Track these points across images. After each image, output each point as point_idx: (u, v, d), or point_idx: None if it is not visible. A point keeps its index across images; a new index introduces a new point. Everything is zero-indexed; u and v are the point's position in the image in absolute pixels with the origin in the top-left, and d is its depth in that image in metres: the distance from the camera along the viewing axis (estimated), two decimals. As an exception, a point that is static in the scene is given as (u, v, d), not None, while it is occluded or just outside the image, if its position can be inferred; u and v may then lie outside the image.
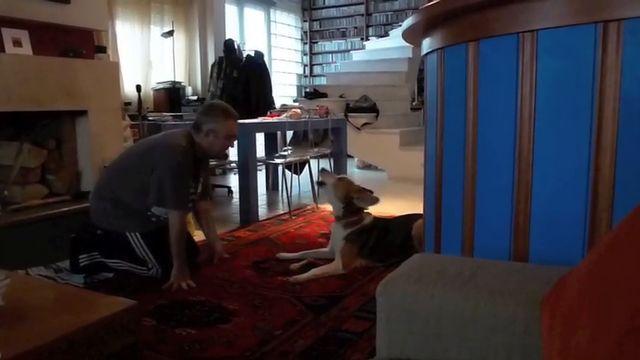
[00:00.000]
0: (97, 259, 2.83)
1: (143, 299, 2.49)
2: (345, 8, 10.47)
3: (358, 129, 6.76)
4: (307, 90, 8.27)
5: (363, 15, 10.24)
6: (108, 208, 2.81)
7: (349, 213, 3.08)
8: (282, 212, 4.63)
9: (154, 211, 2.81)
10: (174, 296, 2.59)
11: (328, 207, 3.25)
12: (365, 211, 3.17)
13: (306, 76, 10.95)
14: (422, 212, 3.02)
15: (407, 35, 1.97)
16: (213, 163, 4.66)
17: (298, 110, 5.04)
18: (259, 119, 4.93)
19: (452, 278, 1.10)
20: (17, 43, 3.44)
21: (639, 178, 1.16)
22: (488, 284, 1.07)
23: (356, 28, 10.39)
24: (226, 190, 5.72)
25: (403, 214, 3.52)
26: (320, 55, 10.94)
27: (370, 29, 10.24)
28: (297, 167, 5.23)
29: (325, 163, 5.38)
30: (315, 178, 5.05)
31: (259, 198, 4.44)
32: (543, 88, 1.29)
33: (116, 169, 2.90)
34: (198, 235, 3.77)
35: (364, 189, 3.19)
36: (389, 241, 3.09)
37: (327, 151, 5.28)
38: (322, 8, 10.72)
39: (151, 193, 2.73)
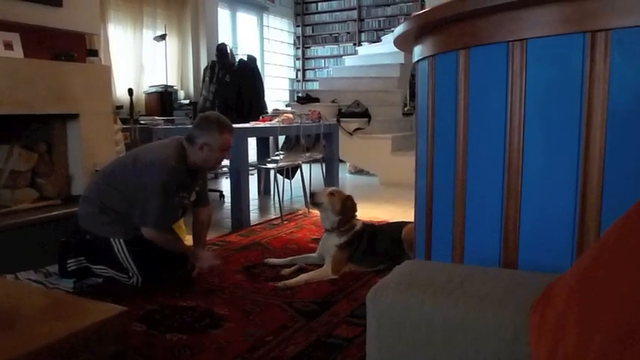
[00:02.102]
0: (83, 264, 2.82)
1: (133, 304, 2.48)
2: (338, 14, 10.50)
3: (350, 134, 6.78)
4: (299, 95, 8.29)
5: (355, 20, 10.28)
6: (95, 214, 2.78)
7: (343, 222, 3.09)
8: (273, 217, 4.62)
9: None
10: (166, 302, 2.58)
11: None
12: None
13: (298, 81, 10.97)
14: (411, 220, 3.07)
15: (398, 42, 1.98)
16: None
17: (290, 115, 5.05)
18: (251, 124, 4.92)
19: (442, 285, 1.11)
20: (8, 46, 3.43)
21: (627, 186, 1.17)
22: (478, 291, 1.07)
23: (348, 33, 10.42)
24: (218, 194, 5.71)
25: (393, 221, 3.53)
26: (312, 60, 10.96)
27: (363, 35, 10.28)
28: (289, 172, 5.23)
29: (317, 168, 5.40)
30: (307, 184, 5.07)
31: (251, 202, 4.44)
32: (533, 96, 1.30)
33: (106, 182, 2.84)
34: (189, 241, 3.77)
35: None
36: (378, 247, 3.11)
37: (319, 156, 5.29)
38: (315, 13, 10.75)
39: (136, 212, 2.71)
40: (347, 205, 3.11)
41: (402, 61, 7.69)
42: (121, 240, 2.75)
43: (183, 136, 2.88)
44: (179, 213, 2.95)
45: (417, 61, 1.86)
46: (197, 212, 3.10)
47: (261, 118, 5.30)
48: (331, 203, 3.08)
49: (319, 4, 10.66)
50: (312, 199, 3.19)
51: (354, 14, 10.27)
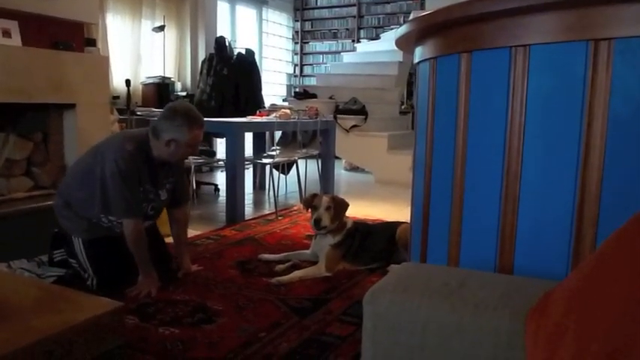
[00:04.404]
0: (65, 255, 2.80)
1: (125, 296, 2.50)
2: (337, 9, 10.46)
3: (347, 131, 6.78)
4: (297, 90, 8.27)
5: (355, 17, 10.25)
6: (61, 208, 2.72)
7: (337, 224, 3.10)
8: (268, 212, 4.62)
9: (110, 216, 2.66)
10: (159, 295, 2.58)
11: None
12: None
13: (296, 76, 10.94)
14: (404, 220, 3.08)
15: (400, 43, 1.98)
16: (199, 160, 4.64)
17: (288, 111, 5.03)
18: (248, 118, 4.92)
19: (438, 289, 1.11)
20: (6, 33, 3.41)
21: (625, 195, 1.18)
22: (474, 296, 1.08)
23: (347, 29, 10.40)
24: (213, 187, 5.71)
25: (387, 220, 3.55)
26: (311, 56, 10.92)
27: (362, 31, 10.25)
28: (284, 167, 5.23)
29: (313, 164, 5.40)
30: (302, 180, 5.07)
31: (246, 197, 4.44)
32: (534, 102, 1.30)
33: (72, 172, 2.78)
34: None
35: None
36: (371, 246, 3.13)
37: (315, 153, 5.29)
38: (314, 9, 10.71)
39: (96, 201, 2.58)
40: (340, 210, 3.12)
41: (401, 60, 7.68)
42: (80, 239, 2.67)
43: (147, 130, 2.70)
44: (148, 210, 2.74)
45: (418, 63, 1.85)
46: (171, 213, 2.96)
47: (258, 112, 5.29)
48: (330, 218, 3.04)
49: (319, -1, 10.64)
50: (319, 224, 3.06)
51: (354, 10, 10.24)
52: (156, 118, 2.64)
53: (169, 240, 3.07)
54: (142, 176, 2.61)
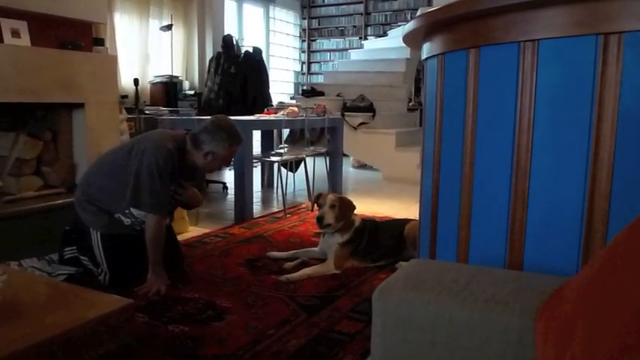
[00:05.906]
0: (75, 253, 2.81)
1: (134, 294, 2.50)
2: (345, 7, 10.46)
3: (354, 128, 6.77)
4: (304, 88, 8.27)
5: (362, 14, 10.24)
6: (82, 201, 2.75)
7: (345, 223, 3.09)
8: (276, 210, 4.63)
9: (134, 212, 2.69)
10: (168, 292, 2.59)
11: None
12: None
13: (303, 74, 10.95)
14: (412, 217, 3.07)
15: (407, 39, 1.98)
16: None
17: (295, 108, 5.03)
18: (256, 116, 4.92)
19: (448, 286, 1.11)
20: (16, 33, 3.43)
21: (635, 190, 1.17)
22: (484, 293, 1.07)
23: (355, 27, 10.39)
24: (221, 185, 5.72)
25: (395, 218, 3.54)
26: (318, 53, 10.93)
27: (369, 29, 10.24)
28: (292, 165, 5.23)
29: (321, 162, 5.40)
30: (310, 178, 5.07)
31: (254, 195, 4.44)
32: (543, 97, 1.29)
33: (100, 165, 2.81)
34: (193, 231, 3.79)
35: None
36: (379, 243, 3.12)
37: (323, 150, 5.29)
38: (321, 6, 10.71)
39: (127, 193, 2.62)
40: (346, 210, 3.11)
41: (408, 56, 7.67)
42: (99, 233, 2.69)
43: (186, 132, 2.80)
44: (170, 207, 2.83)
45: (426, 59, 1.85)
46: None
47: (265, 110, 5.29)
48: (335, 217, 3.03)
49: (326, -4, 10.63)
50: (323, 221, 3.06)
51: (361, 8, 10.23)
52: (199, 129, 2.73)
53: (181, 237, 3.10)
54: (174, 176, 2.69)
